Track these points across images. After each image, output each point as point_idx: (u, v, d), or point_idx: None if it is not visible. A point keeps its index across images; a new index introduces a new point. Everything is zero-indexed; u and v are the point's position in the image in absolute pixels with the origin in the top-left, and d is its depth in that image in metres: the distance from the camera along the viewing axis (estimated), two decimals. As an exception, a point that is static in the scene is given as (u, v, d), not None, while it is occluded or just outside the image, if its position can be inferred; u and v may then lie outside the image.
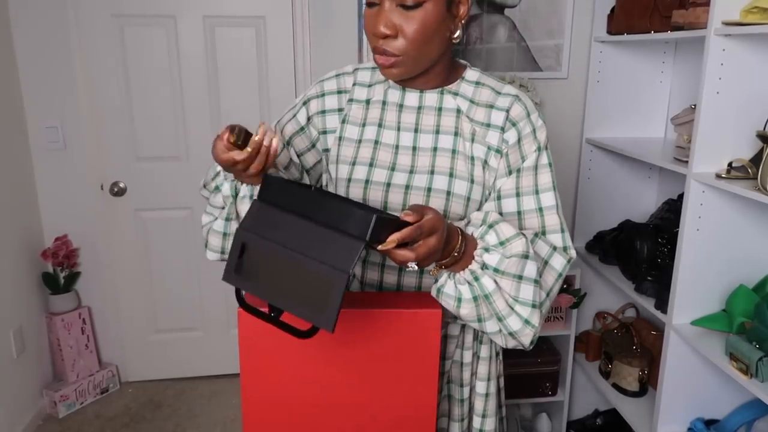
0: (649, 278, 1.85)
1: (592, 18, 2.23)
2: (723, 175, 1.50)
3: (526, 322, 0.88)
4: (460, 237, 0.84)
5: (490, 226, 0.88)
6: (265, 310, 0.79)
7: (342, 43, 2.38)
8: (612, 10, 2.09)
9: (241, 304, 0.81)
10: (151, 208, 2.57)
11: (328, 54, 2.40)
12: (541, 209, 0.97)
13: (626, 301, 2.32)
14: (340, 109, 1.06)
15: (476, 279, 0.86)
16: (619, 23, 1.99)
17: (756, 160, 1.47)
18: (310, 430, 0.92)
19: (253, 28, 2.42)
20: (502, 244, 0.86)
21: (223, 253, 1.00)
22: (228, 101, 2.49)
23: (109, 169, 2.50)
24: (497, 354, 1.15)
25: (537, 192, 0.98)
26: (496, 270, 0.86)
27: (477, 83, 1.03)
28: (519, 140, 0.98)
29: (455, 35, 0.96)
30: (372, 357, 0.88)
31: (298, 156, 1.08)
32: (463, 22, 0.96)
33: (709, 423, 1.75)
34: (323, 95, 1.07)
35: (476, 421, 1.12)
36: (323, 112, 1.06)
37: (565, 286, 2.11)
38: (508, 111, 0.99)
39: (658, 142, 2.10)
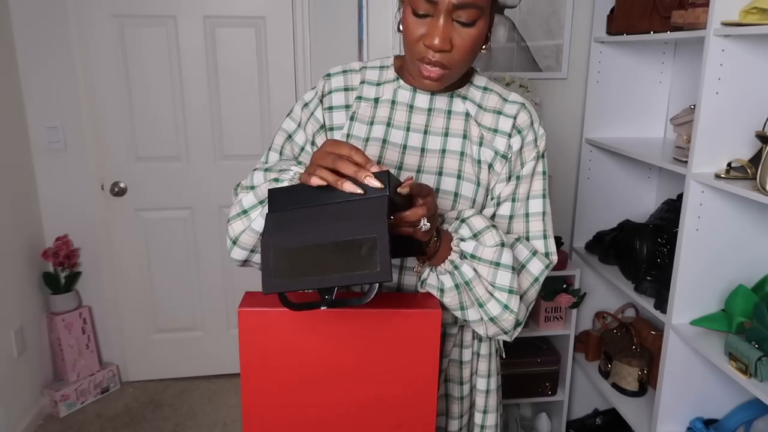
0: (648, 278, 1.85)
1: (591, 18, 2.23)
2: (722, 176, 1.50)
3: (505, 306, 0.92)
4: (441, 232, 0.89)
5: (462, 221, 0.93)
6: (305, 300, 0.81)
7: (342, 43, 2.39)
8: (611, 11, 2.09)
9: (289, 306, 0.81)
10: (151, 208, 2.57)
11: (329, 54, 2.40)
12: (527, 215, 1.01)
13: (626, 301, 2.32)
14: (347, 106, 1.06)
15: (456, 268, 0.90)
16: (619, 23, 1.99)
17: (755, 160, 1.47)
18: (310, 430, 0.92)
19: (253, 28, 2.42)
20: (475, 236, 0.91)
21: (253, 251, 0.97)
22: (228, 101, 2.49)
23: (110, 169, 2.50)
24: (497, 351, 1.17)
25: (528, 198, 1.01)
26: (473, 256, 0.90)
27: (485, 88, 1.05)
28: (521, 147, 1.01)
29: (485, 45, 0.98)
30: (372, 357, 0.89)
31: None
32: (491, 33, 0.98)
33: (709, 422, 1.76)
34: (331, 92, 1.06)
35: (478, 417, 1.15)
36: (331, 108, 1.06)
37: (564, 286, 2.11)
38: (515, 118, 1.02)
39: (657, 142, 2.11)
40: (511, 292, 0.91)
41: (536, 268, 0.97)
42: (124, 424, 2.43)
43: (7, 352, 2.25)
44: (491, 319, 0.93)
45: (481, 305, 0.92)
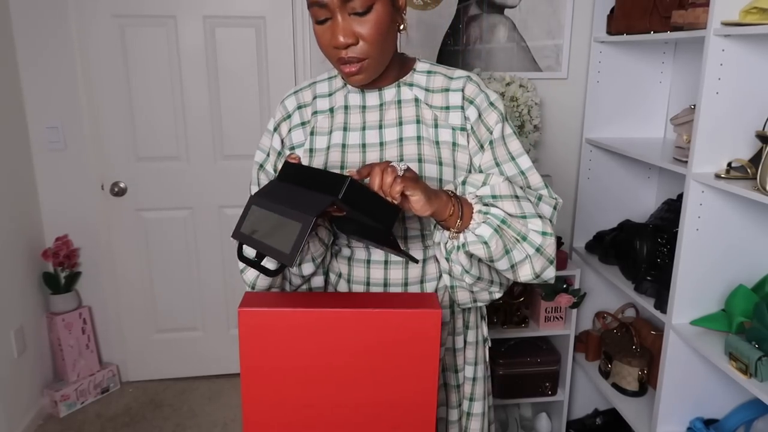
0: (648, 278, 1.85)
1: (591, 18, 2.23)
2: (722, 175, 1.50)
3: (543, 233, 0.96)
4: (451, 196, 0.92)
5: (463, 183, 0.97)
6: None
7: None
8: (612, 11, 2.09)
9: (239, 258, 0.93)
10: (152, 208, 2.57)
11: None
12: (522, 172, 1.04)
13: (626, 301, 2.32)
14: (303, 123, 1.09)
15: (486, 213, 0.93)
16: (619, 23, 1.99)
17: (755, 160, 1.47)
18: (310, 430, 0.92)
19: (253, 28, 2.42)
20: (483, 183, 0.95)
21: (271, 286, 1.07)
22: (228, 101, 2.49)
23: (110, 169, 2.50)
24: (485, 340, 1.20)
25: (513, 158, 1.04)
26: (494, 197, 0.94)
27: (429, 72, 1.07)
28: (480, 115, 1.03)
29: (401, 26, 1.01)
30: (372, 357, 0.89)
31: None
32: (405, 12, 1.01)
33: (709, 422, 1.76)
34: (290, 116, 1.11)
35: (465, 404, 1.17)
36: (290, 130, 1.10)
37: (564, 286, 2.11)
38: (462, 90, 1.04)
39: (657, 142, 2.11)
40: (540, 217, 0.96)
41: (546, 210, 1.01)
42: (124, 424, 2.43)
43: (7, 352, 2.25)
44: (537, 250, 0.95)
45: (524, 238, 0.95)
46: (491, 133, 1.03)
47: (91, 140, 2.45)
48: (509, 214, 0.93)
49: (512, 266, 0.96)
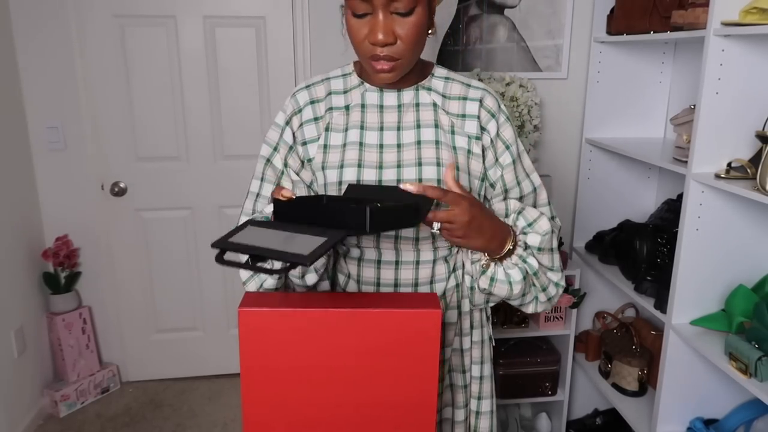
0: (648, 278, 1.85)
1: (591, 18, 2.23)
2: (722, 175, 1.50)
3: (557, 284, 1.04)
4: (511, 230, 0.97)
5: (519, 213, 1.01)
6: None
7: (342, 42, 2.38)
8: (611, 11, 2.09)
9: (220, 261, 0.84)
10: (152, 208, 2.57)
11: (328, 54, 2.40)
12: (535, 189, 1.09)
13: (626, 301, 2.32)
14: (316, 118, 1.08)
15: (524, 261, 0.98)
16: (619, 23, 1.99)
17: (755, 160, 1.47)
18: (310, 430, 0.92)
19: (253, 28, 2.42)
20: (530, 225, 0.99)
21: (277, 289, 1.07)
22: (228, 101, 2.49)
23: (110, 169, 2.50)
24: (490, 338, 1.21)
25: (528, 176, 1.09)
26: (539, 249, 0.99)
27: (447, 78, 1.09)
28: (498, 130, 1.06)
29: (430, 30, 1.02)
30: (372, 357, 0.89)
31: (297, 174, 1.09)
32: (434, 16, 1.02)
33: (709, 422, 1.76)
34: (300, 110, 1.09)
35: (473, 404, 1.18)
36: (301, 124, 1.09)
37: (564, 286, 2.11)
38: (481, 101, 1.06)
39: (657, 142, 2.11)
40: (560, 270, 1.03)
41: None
42: (124, 424, 2.43)
43: (7, 352, 2.25)
44: (549, 300, 1.04)
45: (544, 289, 1.02)
46: (508, 148, 1.06)
47: (91, 140, 2.45)
48: (542, 265, 1.00)
49: (521, 304, 1.04)
